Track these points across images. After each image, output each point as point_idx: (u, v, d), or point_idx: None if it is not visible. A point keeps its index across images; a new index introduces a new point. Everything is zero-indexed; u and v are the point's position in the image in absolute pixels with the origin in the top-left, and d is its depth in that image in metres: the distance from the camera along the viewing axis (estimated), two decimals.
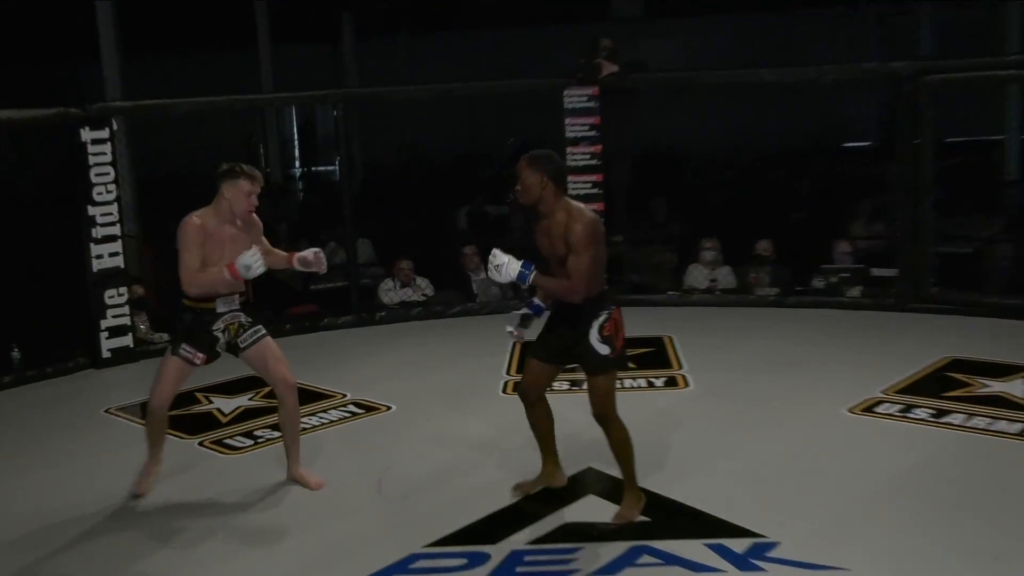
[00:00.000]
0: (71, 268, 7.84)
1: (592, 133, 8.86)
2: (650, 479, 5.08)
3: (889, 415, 5.97)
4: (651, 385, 6.77)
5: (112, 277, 7.82)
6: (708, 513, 4.71)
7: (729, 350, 7.52)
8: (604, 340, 4.43)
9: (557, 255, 4.40)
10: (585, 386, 4.64)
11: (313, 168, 18.94)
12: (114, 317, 7.84)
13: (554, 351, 4.66)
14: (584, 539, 4.52)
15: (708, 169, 14.40)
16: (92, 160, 7.71)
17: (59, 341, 7.88)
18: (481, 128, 14.10)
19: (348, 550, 4.54)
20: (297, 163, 18.98)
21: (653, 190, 11.34)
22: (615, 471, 5.23)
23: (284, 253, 5.32)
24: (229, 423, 6.34)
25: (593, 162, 8.89)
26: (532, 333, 4.85)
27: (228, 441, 6.00)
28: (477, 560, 4.34)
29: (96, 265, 7.76)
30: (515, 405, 6.42)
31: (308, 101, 14.49)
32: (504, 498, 4.92)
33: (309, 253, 5.20)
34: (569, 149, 8.89)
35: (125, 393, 7.05)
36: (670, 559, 4.29)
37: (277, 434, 6.00)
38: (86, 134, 7.68)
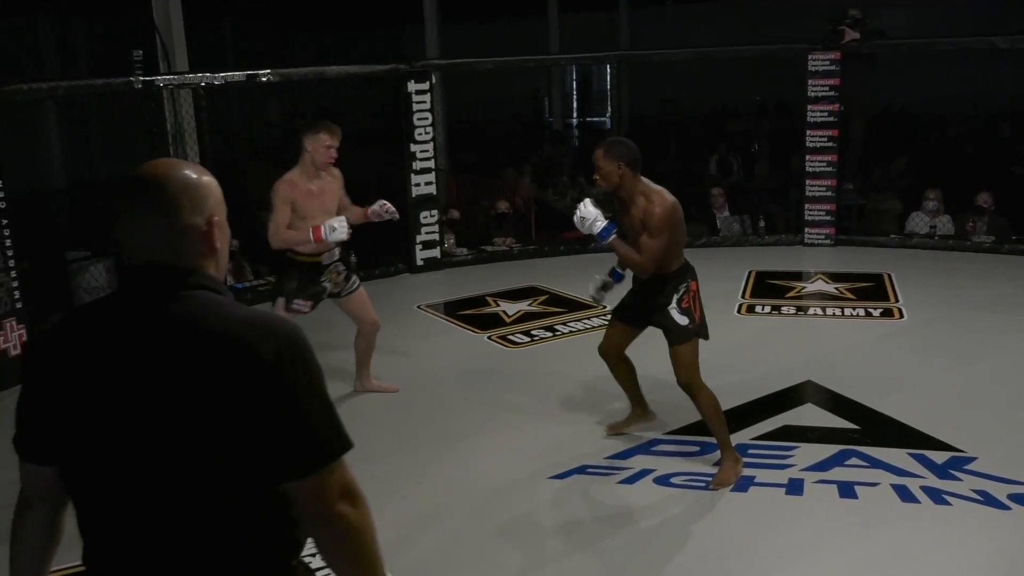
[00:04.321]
0: (395, 193, 8.22)
1: (832, 93, 8.47)
2: (863, 393, 4.98)
3: None
4: (869, 315, 6.53)
5: (426, 201, 8.21)
6: (913, 427, 4.56)
7: (943, 289, 7.12)
8: (683, 312, 4.04)
9: (637, 234, 4.03)
10: (668, 356, 4.16)
11: (587, 118, 19.02)
12: (427, 233, 8.25)
13: (636, 317, 4.27)
14: (800, 439, 4.49)
15: (938, 126, 13.51)
16: (415, 107, 8.02)
17: (385, 250, 8.37)
18: (732, 86, 13.75)
19: (602, 432, 4.69)
20: (575, 113, 19.12)
21: (887, 146, 10.78)
22: (833, 385, 5.15)
23: (360, 209, 4.95)
24: (512, 323, 6.61)
25: (831, 119, 8.51)
26: (612, 299, 4.53)
27: (511, 337, 6.26)
28: (708, 449, 4.40)
29: (414, 191, 8.13)
30: (746, 324, 6.43)
31: (587, 61, 14.50)
32: (733, 400, 4.87)
33: (376, 206, 4.91)
34: (810, 107, 8.57)
35: (432, 293, 7.46)
36: (875, 463, 4.20)
37: (549, 334, 6.24)
38: (411, 86, 7.99)
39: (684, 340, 4.07)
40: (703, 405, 4.13)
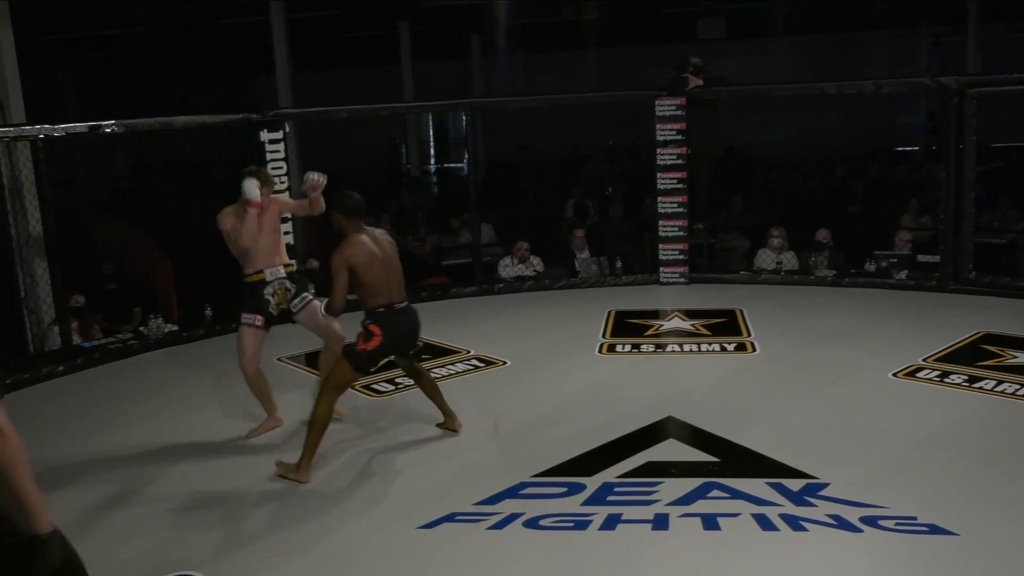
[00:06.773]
0: None
1: (679, 137, 8.79)
2: (721, 426, 5.12)
3: (928, 380, 5.86)
4: (723, 350, 6.75)
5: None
6: (769, 457, 4.71)
7: (791, 322, 7.41)
8: (358, 336, 4.72)
9: None
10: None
11: (445, 164, 19.17)
12: None
13: None
14: (663, 475, 4.56)
15: (778, 168, 14.21)
16: (268, 156, 7.89)
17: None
18: (585, 132, 14.12)
19: (469, 478, 4.65)
20: (432, 160, 19.23)
21: (732, 186, 11.23)
22: (693, 419, 5.27)
23: (299, 201, 5.43)
24: (375, 371, 6.48)
25: (679, 162, 8.81)
26: None
27: (375, 386, 6.17)
28: (575, 489, 4.43)
29: None
30: (607, 363, 6.54)
31: (442, 109, 14.62)
32: (598, 439, 4.98)
33: (306, 184, 5.18)
34: (659, 150, 8.85)
35: (293, 345, 7.26)
36: (736, 494, 4.31)
37: (411, 382, 6.17)
38: (264, 135, 7.88)
39: (345, 352, 4.74)
40: (316, 411, 4.66)
